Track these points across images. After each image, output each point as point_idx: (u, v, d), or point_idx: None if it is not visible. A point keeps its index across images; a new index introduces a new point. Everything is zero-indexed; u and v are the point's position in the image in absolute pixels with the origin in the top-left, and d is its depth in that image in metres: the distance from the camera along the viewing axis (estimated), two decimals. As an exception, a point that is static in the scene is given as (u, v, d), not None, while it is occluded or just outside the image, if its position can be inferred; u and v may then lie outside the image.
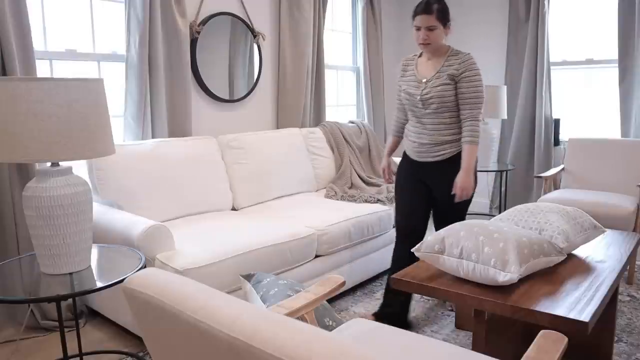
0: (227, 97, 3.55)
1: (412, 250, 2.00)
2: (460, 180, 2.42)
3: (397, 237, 2.62)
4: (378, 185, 3.92)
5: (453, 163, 2.49)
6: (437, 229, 2.65)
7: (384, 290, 2.73)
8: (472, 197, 2.54)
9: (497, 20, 4.81)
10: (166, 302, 0.93)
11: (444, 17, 2.41)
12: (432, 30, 2.40)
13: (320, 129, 3.99)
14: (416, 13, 2.43)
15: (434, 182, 2.56)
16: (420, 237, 2.58)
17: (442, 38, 2.45)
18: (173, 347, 0.98)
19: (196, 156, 3.03)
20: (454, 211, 2.58)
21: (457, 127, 2.50)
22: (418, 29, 2.43)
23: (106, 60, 3.03)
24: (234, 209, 3.25)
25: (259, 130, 3.72)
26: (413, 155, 2.59)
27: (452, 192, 2.45)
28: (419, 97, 2.49)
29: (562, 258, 1.96)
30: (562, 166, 4.00)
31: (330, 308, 2.15)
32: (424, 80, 2.49)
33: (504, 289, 1.79)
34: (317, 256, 2.83)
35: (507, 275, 1.74)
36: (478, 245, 1.83)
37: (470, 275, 1.83)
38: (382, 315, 2.60)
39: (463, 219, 2.61)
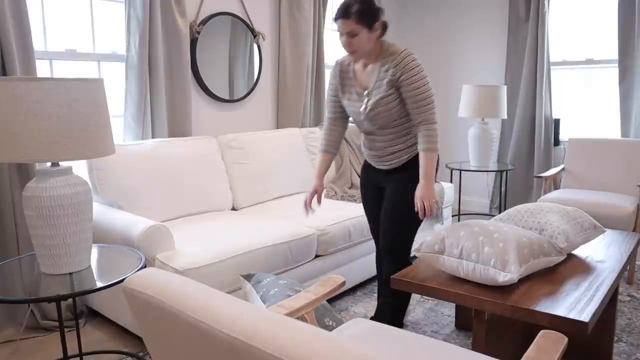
0: (227, 97, 3.55)
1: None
2: (420, 192, 2.15)
3: (374, 241, 2.61)
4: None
5: (407, 168, 2.30)
6: (377, 245, 2.46)
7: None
8: (418, 220, 2.29)
9: (497, 19, 4.81)
10: (166, 302, 0.93)
11: (366, 19, 2.08)
12: (355, 36, 2.10)
13: (320, 129, 3.99)
14: (335, 17, 2.13)
15: (386, 187, 2.38)
16: None
17: (369, 42, 2.13)
18: (173, 347, 0.98)
19: (196, 156, 3.03)
20: (392, 223, 2.31)
21: (409, 134, 2.27)
22: (341, 34, 2.14)
23: (106, 60, 3.03)
24: (234, 209, 3.25)
25: (259, 130, 3.72)
26: (370, 160, 2.43)
27: (416, 209, 2.17)
28: (363, 117, 2.26)
29: (562, 258, 1.96)
30: (562, 166, 4.00)
31: (330, 308, 2.15)
32: (365, 93, 2.23)
33: (504, 289, 1.79)
34: (317, 256, 2.83)
35: (507, 276, 1.74)
36: (478, 245, 1.83)
37: (470, 275, 1.83)
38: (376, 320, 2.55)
39: (404, 237, 2.33)
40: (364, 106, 2.24)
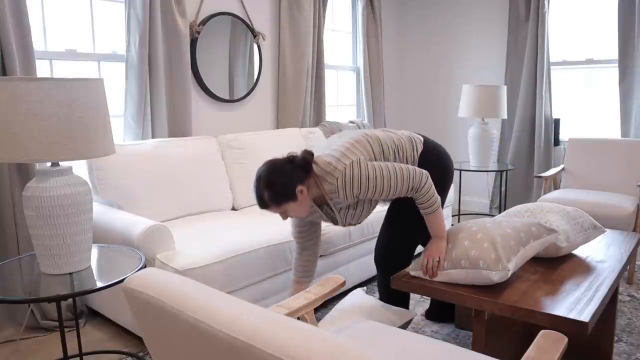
0: (227, 97, 3.55)
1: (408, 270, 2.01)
2: (430, 249, 1.96)
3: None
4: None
5: None
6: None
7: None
8: (414, 239, 2.24)
9: (497, 19, 4.81)
10: (166, 302, 0.93)
11: (284, 197, 1.92)
12: (285, 212, 1.98)
13: (320, 129, 3.99)
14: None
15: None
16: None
17: (303, 205, 1.97)
18: (173, 347, 0.98)
19: (196, 156, 3.03)
20: (385, 233, 2.28)
21: None
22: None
23: (106, 60, 3.03)
24: (234, 209, 3.25)
25: (259, 130, 3.72)
26: None
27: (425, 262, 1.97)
28: (344, 225, 2.16)
29: (556, 236, 1.96)
30: (562, 166, 4.00)
31: None
32: (340, 218, 2.13)
33: (504, 289, 1.79)
34: (317, 256, 2.83)
35: (498, 274, 1.75)
36: (465, 251, 1.84)
37: (467, 281, 1.84)
38: None
39: (397, 255, 2.26)
40: (338, 217, 2.12)
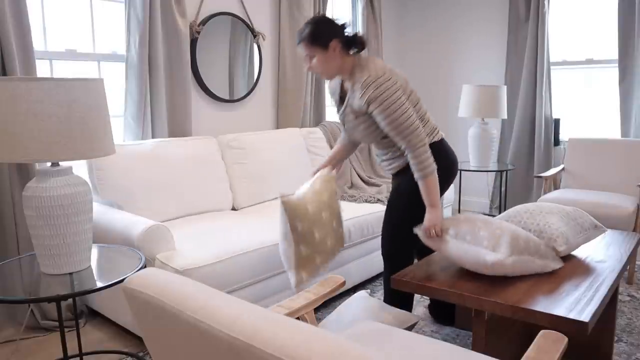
0: (227, 97, 3.55)
1: (414, 230, 2.11)
2: (426, 220, 2.06)
3: None
4: (378, 185, 3.92)
5: (401, 177, 2.27)
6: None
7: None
8: (409, 232, 2.24)
9: (497, 19, 4.81)
10: (166, 302, 0.93)
11: (318, 41, 2.04)
12: (313, 58, 2.09)
13: (320, 129, 3.99)
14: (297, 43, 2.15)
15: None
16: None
17: (328, 62, 2.08)
18: (173, 347, 0.98)
19: (196, 156, 3.03)
20: (385, 231, 2.33)
21: (393, 150, 2.22)
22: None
23: (106, 60, 3.03)
24: (234, 209, 3.25)
25: (259, 130, 3.72)
26: None
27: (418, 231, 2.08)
28: (345, 130, 2.27)
29: (558, 265, 1.98)
30: (562, 166, 4.00)
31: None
32: (341, 110, 2.24)
33: (504, 289, 1.79)
34: (317, 256, 2.83)
35: (495, 255, 1.78)
36: (474, 229, 1.90)
37: (462, 259, 1.87)
38: None
39: (396, 246, 2.31)
40: (340, 115, 2.26)
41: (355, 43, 2.13)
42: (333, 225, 2.19)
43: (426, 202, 2.09)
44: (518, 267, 1.84)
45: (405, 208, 2.25)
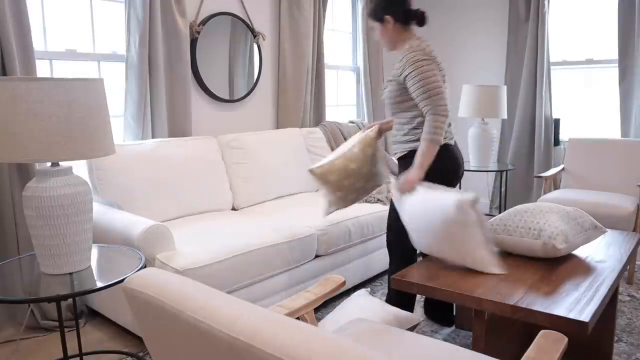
0: (227, 97, 3.55)
1: (390, 179, 2.24)
2: (408, 175, 2.21)
3: None
4: (378, 185, 3.92)
5: (403, 161, 2.41)
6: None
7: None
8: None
9: (497, 19, 4.81)
10: (166, 302, 0.93)
11: (375, 15, 2.35)
12: (374, 31, 2.41)
13: (320, 129, 3.99)
14: None
15: None
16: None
17: (385, 34, 2.36)
18: (173, 347, 0.98)
19: (196, 156, 3.03)
20: (388, 214, 2.49)
21: (408, 129, 2.36)
22: None
23: (106, 60, 3.03)
24: (234, 209, 3.25)
25: (259, 130, 3.72)
26: None
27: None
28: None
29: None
30: (562, 166, 4.00)
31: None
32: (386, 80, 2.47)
33: (504, 289, 1.79)
34: (317, 256, 2.83)
35: (461, 195, 1.94)
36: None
37: (425, 204, 2.02)
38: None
39: (390, 237, 2.46)
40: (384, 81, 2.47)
41: (412, 18, 2.34)
42: (364, 171, 2.46)
43: (416, 161, 2.22)
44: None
45: (395, 211, 2.36)
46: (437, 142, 2.20)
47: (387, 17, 2.32)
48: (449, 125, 2.42)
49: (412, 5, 2.36)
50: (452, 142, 2.40)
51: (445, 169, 2.35)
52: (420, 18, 2.35)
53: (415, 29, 2.38)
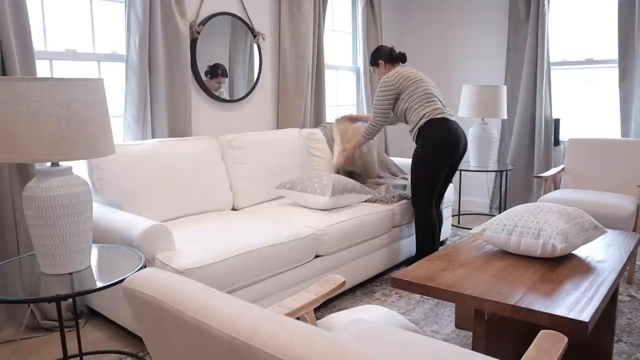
0: (227, 97, 3.55)
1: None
2: (348, 146, 3.56)
3: None
4: (378, 185, 3.92)
5: (417, 142, 3.21)
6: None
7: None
8: (423, 184, 3.20)
9: (497, 19, 4.81)
10: (166, 302, 0.93)
11: (373, 62, 3.45)
12: (374, 72, 3.51)
13: (321, 130, 3.99)
14: None
15: None
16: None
17: (382, 72, 3.41)
18: (173, 347, 0.98)
19: (196, 156, 3.03)
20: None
21: (409, 121, 3.25)
22: None
23: (106, 60, 3.03)
24: (234, 209, 3.25)
25: (259, 131, 3.72)
26: None
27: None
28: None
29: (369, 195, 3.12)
30: (562, 166, 4.00)
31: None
32: None
33: (504, 289, 1.79)
34: (317, 256, 2.83)
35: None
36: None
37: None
38: None
39: (414, 194, 3.27)
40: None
41: (396, 59, 3.38)
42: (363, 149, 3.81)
43: (354, 140, 3.54)
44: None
45: (414, 169, 3.22)
46: (367, 138, 3.40)
47: (381, 61, 3.39)
48: (432, 102, 3.17)
49: (395, 51, 3.37)
50: (438, 117, 3.12)
51: (445, 140, 3.10)
52: (402, 58, 3.38)
53: (399, 64, 3.38)
